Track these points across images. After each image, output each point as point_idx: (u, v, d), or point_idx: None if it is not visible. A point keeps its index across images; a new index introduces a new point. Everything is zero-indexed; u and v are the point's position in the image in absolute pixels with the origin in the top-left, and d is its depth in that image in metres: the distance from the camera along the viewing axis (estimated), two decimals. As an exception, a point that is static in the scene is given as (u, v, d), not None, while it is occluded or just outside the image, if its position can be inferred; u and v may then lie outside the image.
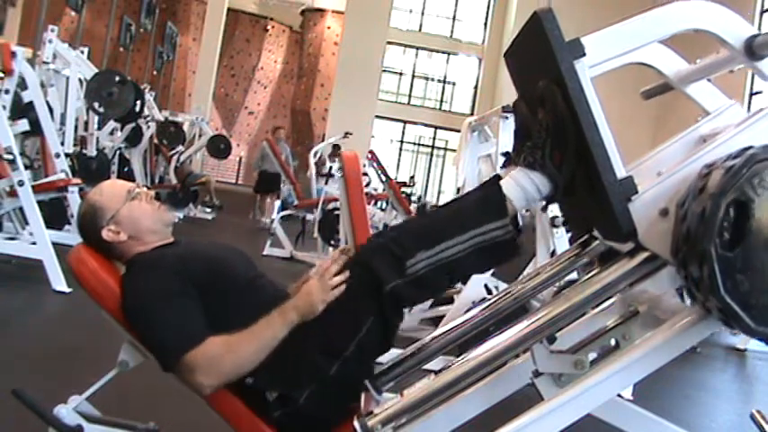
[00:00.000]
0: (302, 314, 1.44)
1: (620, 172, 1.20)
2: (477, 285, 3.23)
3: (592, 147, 1.19)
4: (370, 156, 7.97)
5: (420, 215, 1.86)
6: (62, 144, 5.21)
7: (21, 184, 4.09)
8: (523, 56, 1.37)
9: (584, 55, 1.21)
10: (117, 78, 5.72)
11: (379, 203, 8.76)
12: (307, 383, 1.44)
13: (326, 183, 8.12)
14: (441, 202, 15.04)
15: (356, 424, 1.30)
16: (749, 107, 13.96)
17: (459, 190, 3.95)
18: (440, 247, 1.41)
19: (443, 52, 19.43)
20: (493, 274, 3.24)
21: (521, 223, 1.49)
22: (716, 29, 1.25)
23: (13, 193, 4.24)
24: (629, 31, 1.27)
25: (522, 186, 1.40)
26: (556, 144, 1.32)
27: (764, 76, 1.24)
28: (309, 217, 7.44)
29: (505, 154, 1.55)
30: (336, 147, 9.95)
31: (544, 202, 1.48)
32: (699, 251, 1.06)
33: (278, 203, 7.89)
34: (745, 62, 1.26)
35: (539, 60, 1.26)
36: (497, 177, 1.46)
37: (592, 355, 1.30)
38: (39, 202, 4.22)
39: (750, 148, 1.11)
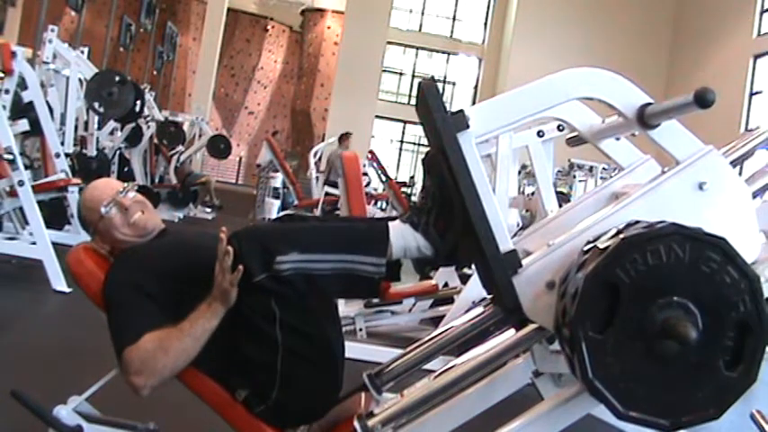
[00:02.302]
0: (222, 301, 1.45)
1: (506, 245, 1.17)
2: (478, 285, 3.22)
3: (473, 220, 1.17)
4: (370, 156, 7.98)
5: (312, 219, 1.81)
6: (62, 144, 5.20)
7: (21, 184, 4.09)
8: (422, 118, 1.35)
9: (468, 127, 1.19)
10: (117, 78, 5.72)
11: (379, 203, 8.77)
12: (268, 380, 1.48)
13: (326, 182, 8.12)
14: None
15: (356, 424, 1.30)
16: (749, 107, 13.98)
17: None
18: (312, 256, 1.42)
19: (443, 52, 19.42)
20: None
21: (400, 276, 1.50)
22: (608, 97, 1.23)
23: (13, 193, 4.24)
24: (520, 100, 1.25)
25: (405, 239, 1.41)
26: (441, 212, 1.32)
27: (658, 144, 1.22)
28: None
29: (412, 206, 1.55)
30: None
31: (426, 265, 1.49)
32: (570, 332, 1.04)
33: (277, 203, 7.89)
34: (639, 130, 1.25)
35: (430, 127, 1.25)
36: (393, 218, 1.48)
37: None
38: (39, 202, 4.22)
39: (636, 223, 1.09)
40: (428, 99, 1.20)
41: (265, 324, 1.46)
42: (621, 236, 1.05)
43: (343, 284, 1.45)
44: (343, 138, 9.72)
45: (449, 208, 1.28)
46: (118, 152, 7.73)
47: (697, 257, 1.03)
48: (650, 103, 1.22)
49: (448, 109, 1.21)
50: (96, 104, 5.62)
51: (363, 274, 1.42)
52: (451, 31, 19.54)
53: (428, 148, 1.38)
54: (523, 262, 1.18)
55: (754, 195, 1.42)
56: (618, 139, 1.55)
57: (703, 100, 1.09)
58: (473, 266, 2.76)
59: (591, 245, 1.10)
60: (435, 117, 1.19)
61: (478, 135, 1.21)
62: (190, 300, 1.48)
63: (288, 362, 1.47)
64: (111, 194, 1.68)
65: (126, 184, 1.75)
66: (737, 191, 1.19)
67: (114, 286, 1.55)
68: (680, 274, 1.03)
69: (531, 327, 1.24)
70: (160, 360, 1.43)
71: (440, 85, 1.23)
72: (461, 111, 1.20)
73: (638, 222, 1.10)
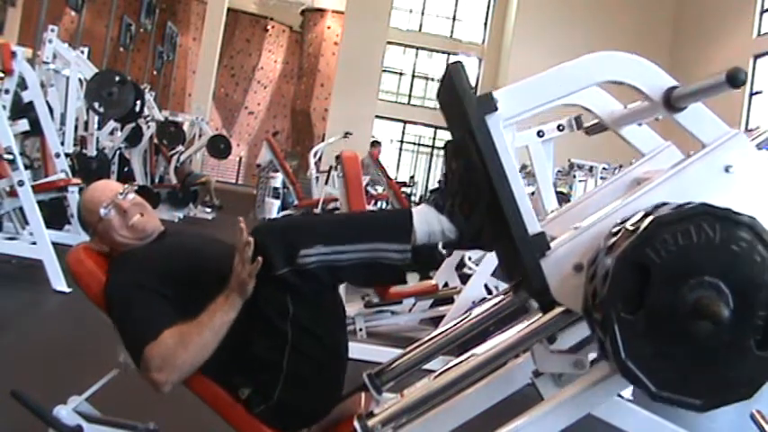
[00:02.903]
0: (239, 292, 1.45)
1: (534, 227, 1.17)
2: (478, 285, 3.23)
3: (502, 202, 1.17)
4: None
5: (332, 214, 1.81)
6: (62, 144, 5.20)
7: (21, 184, 4.09)
8: (446, 102, 1.36)
9: (496, 110, 1.19)
10: (117, 78, 5.73)
11: (379, 203, 8.77)
12: (272, 378, 1.47)
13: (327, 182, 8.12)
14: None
15: (356, 424, 1.31)
16: (749, 107, 13.98)
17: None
18: (337, 248, 1.41)
19: (443, 52, 19.41)
20: (493, 274, 3.24)
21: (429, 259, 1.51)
22: (634, 81, 1.23)
23: (13, 193, 4.24)
24: (547, 83, 1.25)
25: (428, 224, 1.41)
26: (467, 195, 1.33)
27: (683, 128, 1.21)
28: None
29: (434, 190, 1.55)
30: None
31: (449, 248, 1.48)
32: (601, 314, 1.04)
33: (277, 203, 7.89)
34: (664, 114, 1.24)
35: (456, 111, 1.25)
36: (416, 204, 1.47)
37: (592, 355, 1.30)
38: (39, 202, 4.22)
39: (664, 204, 1.09)
40: (455, 81, 1.20)
41: (278, 319, 1.46)
42: (651, 217, 1.05)
43: (368, 274, 1.45)
44: (375, 145, 9.77)
45: (475, 190, 1.28)
46: (118, 152, 7.73)
47: (727, 237, 1.03)
48: (677, 86, 1.21)
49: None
50: (96, 104, 5.62)
51: (388, 261, 1.41)
52: (451, 31, 19.54)
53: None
54: (551, 245, 1.18)
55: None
56: (640, 125, 1.55)
57: (735, 79, 1.08)
58: (474, 267, 2.75)
59: (619, 227, 1.10)
60: (463, 98, 1.19)
61: (506, 118, 1.21)
62: (191, 302, 1.48)
63: (294, 360, 1.47)
64: (111, 196, 1.69)
65: (125, 186, 1.75)
66: (764, 174, 1.18)
67: (117, 287, 1.55)
68: (710, 253, 1.03)
69: (558, 310, 1.23)
70: (180, 355, 1.43)
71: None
72: (490, 93, 1.20)
73: (665, 204, 1.10)
